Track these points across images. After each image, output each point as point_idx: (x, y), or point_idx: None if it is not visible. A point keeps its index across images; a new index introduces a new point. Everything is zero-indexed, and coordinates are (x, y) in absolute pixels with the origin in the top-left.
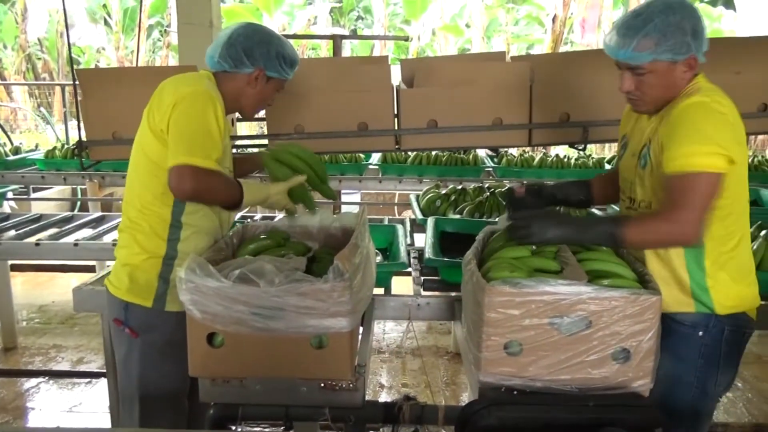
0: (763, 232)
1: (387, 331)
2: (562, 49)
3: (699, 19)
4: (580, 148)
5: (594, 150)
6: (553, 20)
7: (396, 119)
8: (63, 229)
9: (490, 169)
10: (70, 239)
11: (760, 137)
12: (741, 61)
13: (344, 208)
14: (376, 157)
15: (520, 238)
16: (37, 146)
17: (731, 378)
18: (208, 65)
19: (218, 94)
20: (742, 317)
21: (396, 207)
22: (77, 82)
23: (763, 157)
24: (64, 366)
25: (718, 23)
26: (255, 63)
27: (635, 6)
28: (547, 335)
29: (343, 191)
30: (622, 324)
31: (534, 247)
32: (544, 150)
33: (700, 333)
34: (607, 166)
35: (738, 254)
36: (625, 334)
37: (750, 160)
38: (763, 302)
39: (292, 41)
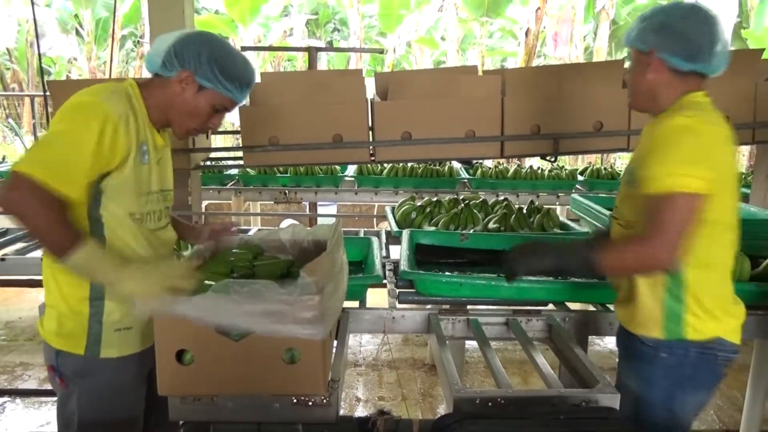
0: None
1: (363, 343)
2: (536, 62)
3: (701, 30)
4: (551, 159)
5: (567, 161)
6: (526, 34)
7: (371, 131)
8: (30, 243)
9: (466, 180)
10: (37, 254)
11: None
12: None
13: (320, 221)
14: (352, 169)
15: (509, 274)
16: (4, 158)
17: (702, 401)
18: (146, 67)
19: (129, 107)
20: (714, 341)
21: (375, 219)
22: (47, 93)
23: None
24: (31, 384)
25: None
26: (183, 64)
27: (605, 21)
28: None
29: (319, 203)
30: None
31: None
32: (518, 162)
33: (663, 354)
34: (580, 178)
35: (718, 286)
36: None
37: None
38: None
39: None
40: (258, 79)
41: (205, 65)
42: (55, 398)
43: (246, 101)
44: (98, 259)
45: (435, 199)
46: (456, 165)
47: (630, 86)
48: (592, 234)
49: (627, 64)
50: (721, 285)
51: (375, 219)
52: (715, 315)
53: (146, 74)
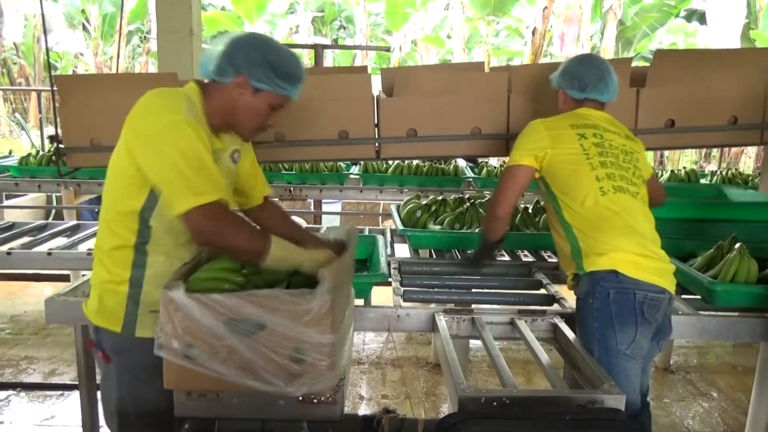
0: (737, 245)
1: (367, 342)
2: (542, 61)
3: (589, 71)
4: None
5: None
6: (533, 33)
7: (376, 128)
8: (36, 237)
9: (471, 179)
10: (43, 248)
11: (733, 150)
12: (710, 74)
13: (324, 218)
14: (357, 167)
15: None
16: (11, 152)
17: (632, 337)
18: (200, 74)
19: (200, 116)
20: (623, 279)
21: (380, 217)
22: (55, 88)
23: (736, 169)
24: (36, 378)
25: (693, 38)
26: (237, 70)
27: (612, 21)
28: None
29: (324, 201)
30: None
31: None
32: None
33: (590, 300)
34: None
35: (588, 212)
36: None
37: (723, 172)
38: (741, 313)
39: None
40: None
41: (259, 68)
42: (59, 392)
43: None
44: (286, 248)
45: (440, 197)
46: (462, 163)
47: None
48: None
49: (634, 63)
50: (592, 211)
51: (380, 217)
52: (602, 250)
53: (152, 70)
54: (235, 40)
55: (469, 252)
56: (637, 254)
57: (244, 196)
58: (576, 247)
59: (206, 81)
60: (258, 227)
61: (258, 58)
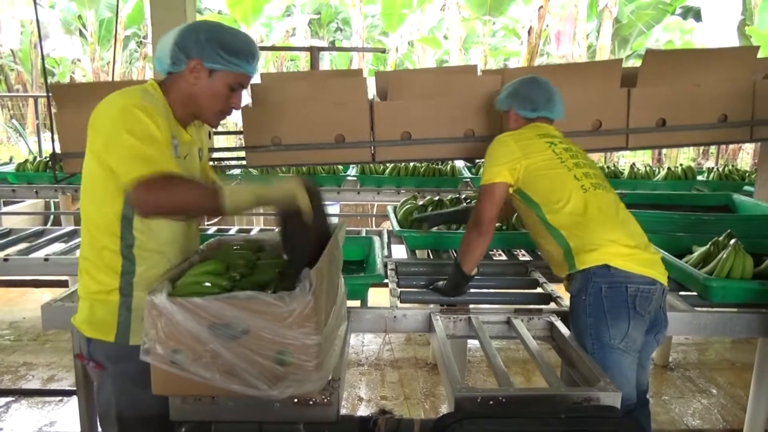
0: (732, 241)
1: (366, 343)
2: (539, 61)
3: (537, 92)
4: None
5: None
6: (529, 32)
7: (371, 131)
8: (33, 243)
9: (468, 180)
10: (40, 254)
11: (731, 146)
12: (701, 73)
13: None
14: (354, 169)
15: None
16: (11, 159)
17: (624, 331)
18: (157, 70)
19: (160, 105)
20: (614, 272)
21: (374, 219)
22: (50, 94)
23: (733, 166)
24: (35, 384)
25: (689, 36)
26: (188, 54)
27: (608, 19)
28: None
29: None
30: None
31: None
32: None
33: (583, 297)
34: None
35: (574, 211)
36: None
37: (720, 168)
38: (736, 309)
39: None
40: (259, 79)
41: (209, 49)
42: (59, 398)
43: (255, 80)
44: (243, 190)
45: (437, 198)
46: (459, 164)
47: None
48: None
49: (630, 61)
50: (590, 224)
51: (374, 219)
52: (593, 246)
53: (150, 75)
54: (182, 28)
55: (439, 283)
56: (627, 246)
57: None
58: (567, 248)
59: (164, 77)
60: (203, 183)
61: (206, 40)
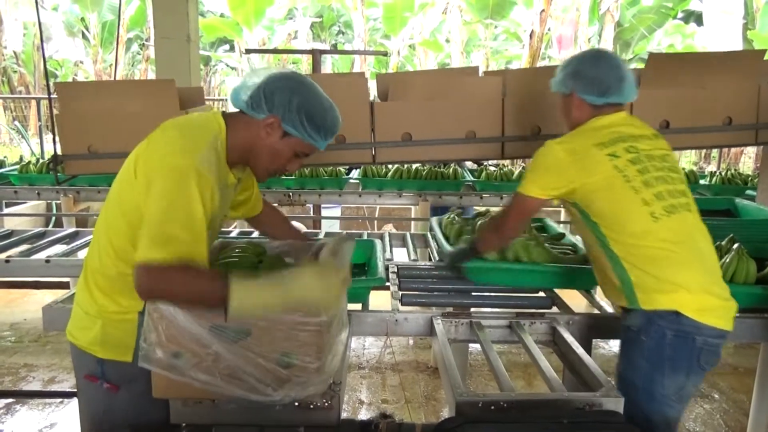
0: (735, 246)
1: (367, 346)
2: (540, 64)
3: (608, 72)
4: None
5: None
6: (531, 36)
7: (372, 132)
8: (35, 245)
9: (471, 183)
10: (41, 255)
11: (733, 150)
12: (705, 76)
13: (324, 223)
14: (356, 172)
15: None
16: (21, 158)
17: (681, 385)
18: (231, 101)
19: (219, 159)
20: (684, 321)
21: (375, 222)
22: (53, 96)
23: (735, 170)
24: (36, 386)
25: (691, 39)
26: (271, 109)
27: (610, 23)
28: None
29: (323, 205)
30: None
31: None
32: (523, 164)
33: (643, 338)
34: None
35: (640, 243)
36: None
37: (723, 172)
38: (739, 314)
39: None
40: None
41: (294, 114)
42: (59, 400)
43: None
44: (257, 292)
45: (483, 209)
46: (468, 165)
47: (562, 118)
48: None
49: (633, 65)
50: (661, 261)
51: (376, 222)
52: (653, 273)
53: (151, 77)
54: (276, 76)
55: (449, 249)
56: (701, 291)
57: (242, 206)
58: (627, 281)
59: (232, 111)
60: (211, 279)
61: (295, 103)
